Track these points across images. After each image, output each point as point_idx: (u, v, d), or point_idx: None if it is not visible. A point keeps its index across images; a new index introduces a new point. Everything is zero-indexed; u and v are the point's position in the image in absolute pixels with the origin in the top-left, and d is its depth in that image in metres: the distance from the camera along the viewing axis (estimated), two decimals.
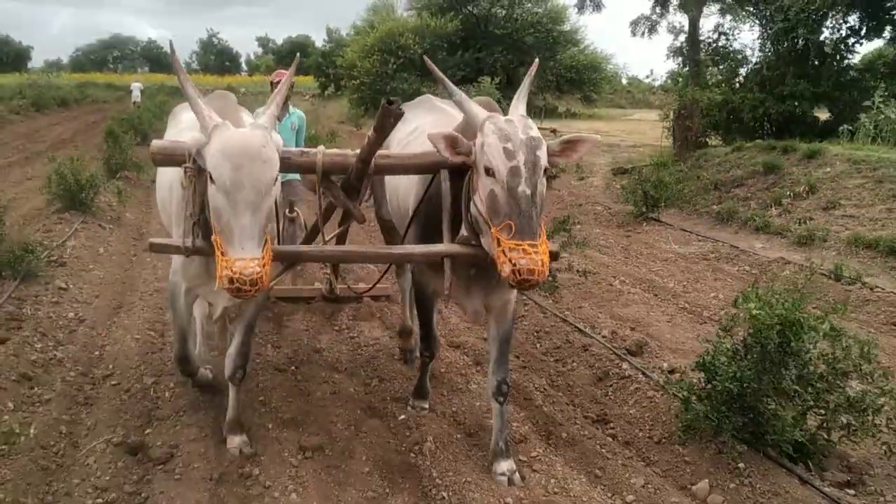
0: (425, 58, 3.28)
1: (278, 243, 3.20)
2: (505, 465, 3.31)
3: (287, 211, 5.47)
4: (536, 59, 3.19)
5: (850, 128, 12.27)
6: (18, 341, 4.42)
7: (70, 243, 6.99)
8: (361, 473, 3.31)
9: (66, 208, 8.26)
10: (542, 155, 2.68)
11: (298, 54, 4.06)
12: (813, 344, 3.40)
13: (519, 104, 2.91)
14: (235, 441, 3.48)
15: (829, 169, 10.23)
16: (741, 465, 3.33)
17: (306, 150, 3.26)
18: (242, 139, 2.65)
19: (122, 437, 3.49)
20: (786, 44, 14.82)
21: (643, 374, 4.33)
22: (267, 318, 5.33)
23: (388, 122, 2.89)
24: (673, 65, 20.94)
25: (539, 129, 2.83)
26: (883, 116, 11.51)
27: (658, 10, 17.71)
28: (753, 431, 3.41)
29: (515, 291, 3.27)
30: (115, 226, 8.50)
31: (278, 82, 3.92)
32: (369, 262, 5.07)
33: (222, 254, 2.60)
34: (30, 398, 3.85)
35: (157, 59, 72.69)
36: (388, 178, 3.87)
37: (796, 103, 14.27)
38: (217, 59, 76.64)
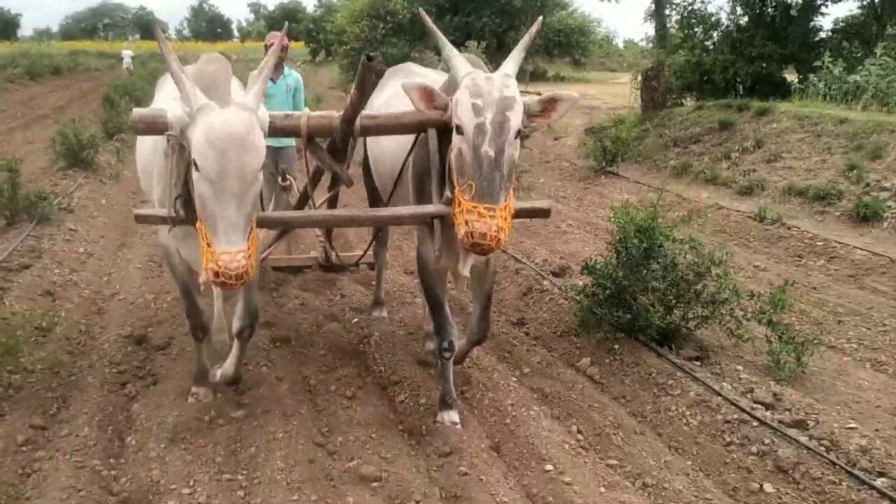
0: (420, 11, 3.17)
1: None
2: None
3: (280, 179, 5.22)
4: (539, 18, 3.01)
5: (802, 86, 12.99)
6: (40, 267, 5.32)
7: (76, 195, 7.82)
8: (319, 356, 4.24)
9: (69, 165, 9.04)
10: (514, 116, 2.54)
11: (287, 22, 4.45)
12: (682, 254, 4.30)
13: (509, 62, 2.75)
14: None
15: (776, 125, 11.00)
16: (616, 346, 4.25)
17: (290, 113, 3.21)
18: (227, 125, 2.49)
19: (129, 332, 4.41)
20: (756, 6, 15.42)
21: (558, 288, 5.22)
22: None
23: (369, 78, 2.78)
24: (650, 28, 21.41)
25: (525, 92, 2.86)
26: (831, 75, 12.23)
27: None
28: (630, 323, 4.32)
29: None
30: (114, 181, 9.32)
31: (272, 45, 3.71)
32: (357, 225, 4.88)
33: (207, 245, 2.52)
34: (53, 307, 4.75)
35: (147, 26, 71.74)
36: (374, 145, 3.75)
37: (764, 64, 14.94)
38: (208, 25, 76.13)
